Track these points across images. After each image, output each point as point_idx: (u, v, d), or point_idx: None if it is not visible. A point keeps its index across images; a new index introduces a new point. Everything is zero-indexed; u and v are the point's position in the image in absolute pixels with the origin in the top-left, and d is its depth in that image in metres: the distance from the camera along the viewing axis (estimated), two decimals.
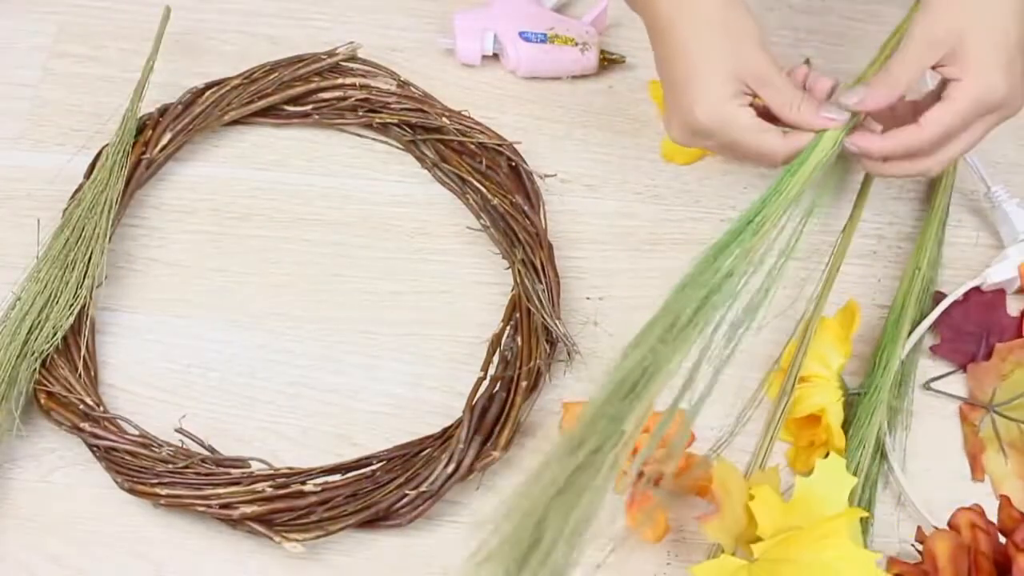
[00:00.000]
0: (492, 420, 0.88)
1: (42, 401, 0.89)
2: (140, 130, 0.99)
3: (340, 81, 1.02)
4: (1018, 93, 0.84)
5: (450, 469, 0.86)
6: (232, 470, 0.87)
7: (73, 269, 0.92)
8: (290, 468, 0.87)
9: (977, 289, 0.95)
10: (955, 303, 0.94)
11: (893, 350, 0.91)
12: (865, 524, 0.86)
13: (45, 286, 0.91)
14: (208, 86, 1.01)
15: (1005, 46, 0.83)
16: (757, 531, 0.80)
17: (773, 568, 0.79)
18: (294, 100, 1.02)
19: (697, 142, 0.88)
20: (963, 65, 0.83)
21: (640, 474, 0.85)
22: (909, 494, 0.88)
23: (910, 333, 0.93)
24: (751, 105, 0.86)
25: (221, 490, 0.86)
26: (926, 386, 0.93)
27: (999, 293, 0.95)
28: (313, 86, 1.02)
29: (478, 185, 0.98)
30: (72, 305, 0.91)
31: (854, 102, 0.85)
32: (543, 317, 0.91)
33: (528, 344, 0.91)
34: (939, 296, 0.95)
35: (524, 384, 0.89)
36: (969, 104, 0.83)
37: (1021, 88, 0.84)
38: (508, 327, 0.93)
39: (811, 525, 0.80)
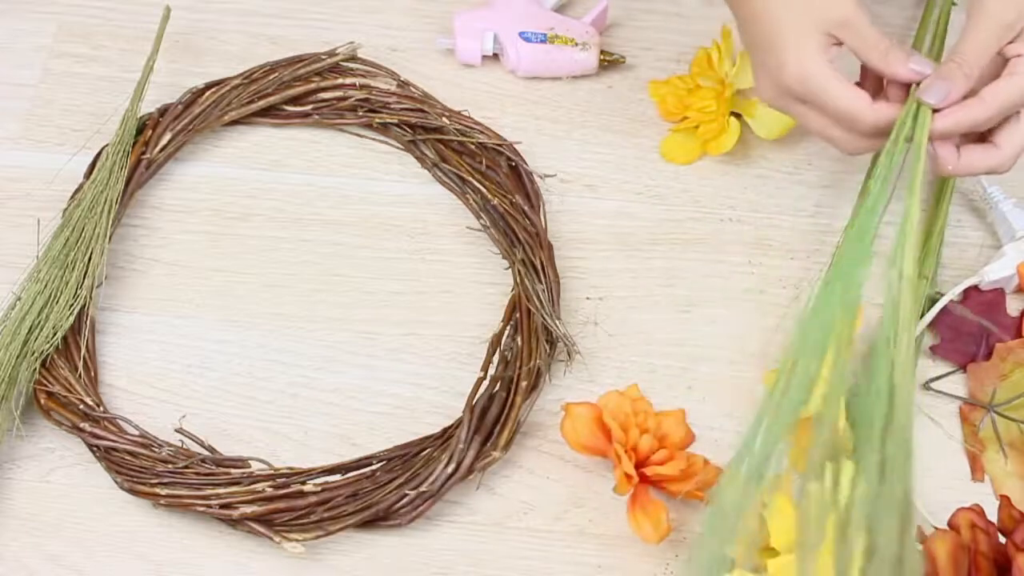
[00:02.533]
0: (492, 420, 0.88)
1: (42, 401, 0.89)
2: (140, 130, 0.99)
3: (340, 81, 1.02)
4: None
5: (450, 469, 0.86)
6: (232, 470, 0.87)
7: (73, 269, 0.92)
8: (290, 468, 0.87)
9: (976, 288, 0.95)
10: (955, 303, 0.94)
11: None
12: None
13: (45, 286, 0.91)
14: (208, 86, 1.01)
15: None
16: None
17: None
18: (294, 100, 1.02)
19: (789, 105, 0.86)
20: None
21: (642, 476, 0.85)
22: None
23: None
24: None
25: (221, 490, 0.86)
26: (926, 386, 0.93)
27: (999, 293, 0.95)
28: (313, 86, 1.02)
29: (478, 185, 0.98)
30: (72, 305, 0.91)
31: (937, 100, 0.83)
32: (543, 317, 0.91)
33: (528, 344, 0.91)
34: (939, 296, 0.95)
35: (524, 384, 0.89)
36: None
37: None
38: (508, 327, 0.93)
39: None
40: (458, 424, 0.88)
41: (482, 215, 0.98)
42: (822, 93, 0.84)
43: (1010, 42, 0.83)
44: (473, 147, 1.00)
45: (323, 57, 1.03)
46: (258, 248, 0.98)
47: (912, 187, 0.82)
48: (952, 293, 0.94)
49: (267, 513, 0.85)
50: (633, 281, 0.97)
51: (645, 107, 1.04)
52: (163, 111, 1.00)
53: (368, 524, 0.86)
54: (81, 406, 0.89)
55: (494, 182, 0.99)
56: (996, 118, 0.84)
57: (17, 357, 0.89)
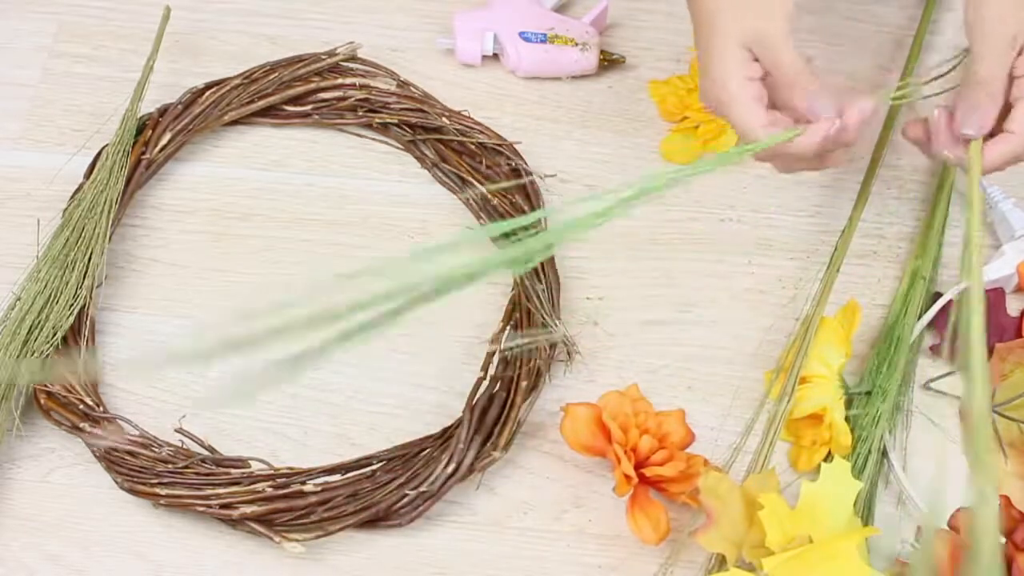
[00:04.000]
0: (492, 420, 0.88)
1: (42, 401, 0.89)
2: (140, 130, 0.99)
3: (340, 81, 1.02)
4: None
5: (450, 469, 0.86)
6: (232, 470, 0.87)
7: (73, 269, 0.92)
8: (290, 468, 0.87)
9: None
10: (955, 303, 0.95)
11: (896, 350, 0.91)
12: (866, 522, 0.86)
13: (45, 286, 0.91)
14: (208, 86, 1.01)
15: None
16: (765, 540, 0.80)
17: None
18: (294, 100, 1.02)
19: (714, 110, 0.86)
20: None
21: (642, 476, 0.85)
22: (911, 493, 0.88)
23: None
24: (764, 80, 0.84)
25: (221, 490, 0.86)
26: (926, 386, 0.93)
27: (999, 293, 0.95)
28: (313, 86, 1.02)
29: (478, 185, 0.98)
30: (72, 305, 0.91)
31: (976, 131, 0.83)
32: (543, 317, 0.91)
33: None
34: (938, 296, 0.95)
35: (524, 384, 0.89)
36: None
37: None
38: (508, 327, 0.92)
39: (821, 541, 0.80)
40: (458, 424, 0.88)
41: (482, 215, 0.98)
42: (726, 107, 0.84)
43: (1017, 55, 0.83)
44: (473, 147, 1.00)
45: (323, 57, 1.03)
46: (258, 248, 0.98)
47: (971, 221, 0.81)
48: (952, 293, 0.94)
49: (267, 513, 0.85)
50: (633, 281, 0.97)
51: (645, 107, 1.04)
52: (163, 111, 1.00)
53: (368, 524, 0.86)
54: (81, 406, 0.89)
55: (494, 182, 0.99)
56: None
57: (17, 357, 0.89)
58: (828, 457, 0.88)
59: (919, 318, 0.93)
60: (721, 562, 0.84)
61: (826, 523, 0.81)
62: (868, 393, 0.91)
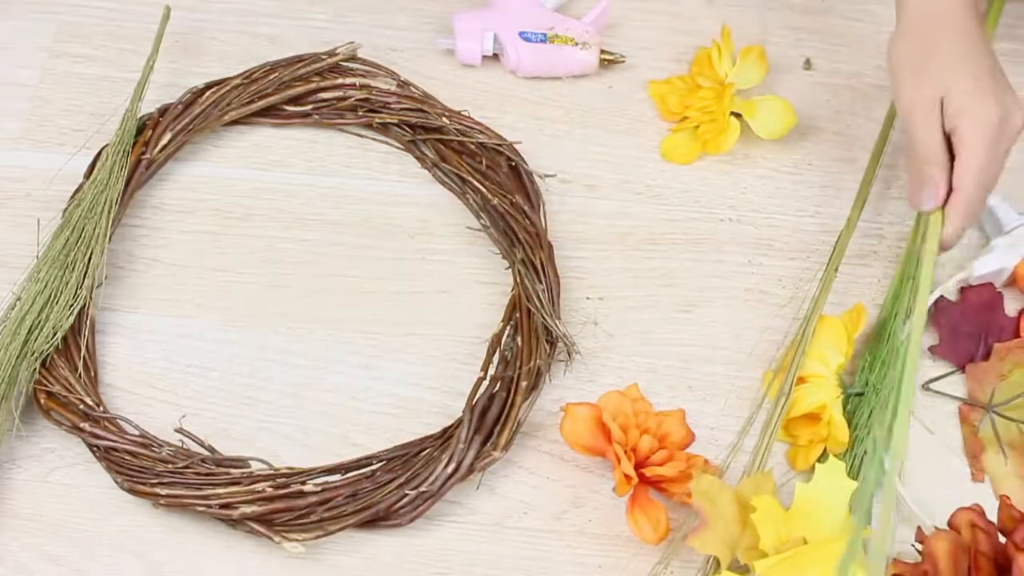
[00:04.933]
0: (492, 420, 0.88)
1: (42, 401, 0.89)
2: (140, 130, 0.99)
3: (340, 81, 1.02)
4: (1013, 107, 0.86)
5: (450, 469, 0.86)
6: (232, 470, 0.87)
7: (73, 269, 0.92)
8: (290, 468, 0.87)
9: (974, 288, 0.95)
10: (953, 303, 0.95)
11: (892, 349, 0.91)
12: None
13: (45, 286, 0.91)
14: (208, 86, 1.01)
15: (980, 77, 0.85)
16: (759, 543, 0.80)
17: None
18: (294, 100, 1.02)
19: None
20: (957, 113, 0.85)
21: (642, 476, 0.85)
22: (904, 495, 0.88)
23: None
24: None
25: (221, 490, 0.86)
26: (925, 386, 0.93)
27: (998, 294, 0.95)
28: (313, 86, 1.02)
29: (478, 185, 0.98)
30: (72, 305, 0.91)
31: (935, 203, 0.87)
32: (543, 317, 0.91)
33: (528, 344, 0.91)
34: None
35: (524, 384, 0.89)
36: (981, 145, 0.85)
37: (1013, 100, 0.86)
38: (508, 327, 0.93)
39: (815, 542, 0.80)
40: (458, 424, 0.88)
41: (482, 215, 0.98)
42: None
43: (942, 114, 0.86)
44: (473, 147, 1.00)
45: (323, 57, 1.03)
46: (258, 248, 0.98)
47: (922, 299, 0.85)
48: (942, 288, 0.94)
49: (267, 513, 0.85)
50: (633, 281, 0.97)
51: (645, 107, 1.04)
52: (163, 111, 1.00)
53: (368, 524, 0.86)
54: (81, 406, 0.89)
55: (494, 182, 0.99)
56: (978, 195, 0.86)
57: (17, 357, 0.89)
58: (823, 456, 0.88)
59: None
60: (717, 564, 0.83)
61: (821, 524, 0.81)
62: (867, 394, 0.90)
